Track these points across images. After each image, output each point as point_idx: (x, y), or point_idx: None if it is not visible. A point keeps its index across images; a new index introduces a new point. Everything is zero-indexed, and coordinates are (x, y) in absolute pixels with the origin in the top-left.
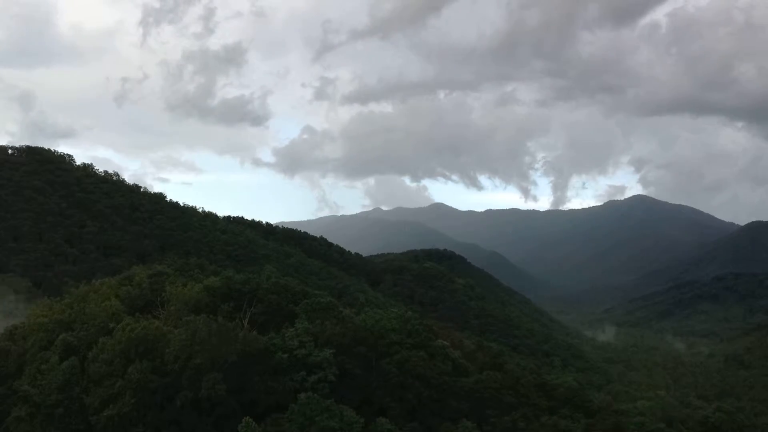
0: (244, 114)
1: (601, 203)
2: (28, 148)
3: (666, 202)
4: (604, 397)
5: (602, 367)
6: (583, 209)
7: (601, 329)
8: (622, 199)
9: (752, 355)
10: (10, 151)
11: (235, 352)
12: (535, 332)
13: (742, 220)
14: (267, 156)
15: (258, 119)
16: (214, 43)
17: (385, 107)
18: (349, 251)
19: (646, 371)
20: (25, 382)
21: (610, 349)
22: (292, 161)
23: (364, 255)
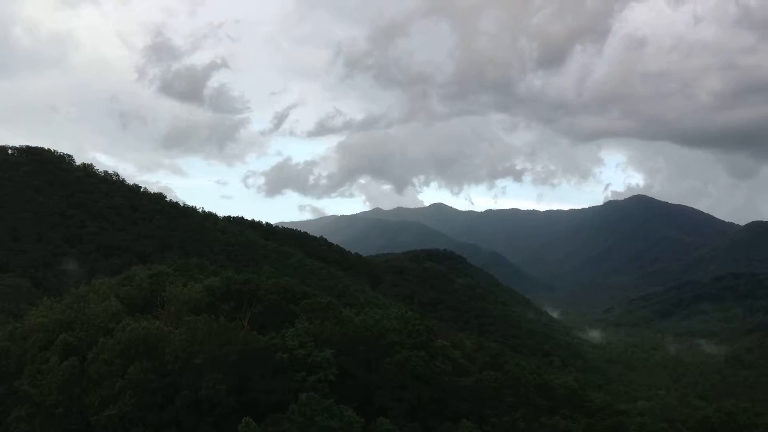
0: (230, 133)
1: (601, 203)
2: (28, 148)
3: (666, 202)
4: (604, 397)
5: (602, 367)
6: (583, 209)
7: (600, 329)
8: (622, 199)
9: (752, 355)
10: (10, 151)
11: (235, 352)
12: (535, 332)
13: (742, 220)
14: (256, 176)
15: (243, 140)
16: (198, 61)
17: (367, 133)
18: (349, 251)
19: (646, 371)
20: (25, 382)
21: (610, 349)
22: (282, 178)
23: (364, 255)
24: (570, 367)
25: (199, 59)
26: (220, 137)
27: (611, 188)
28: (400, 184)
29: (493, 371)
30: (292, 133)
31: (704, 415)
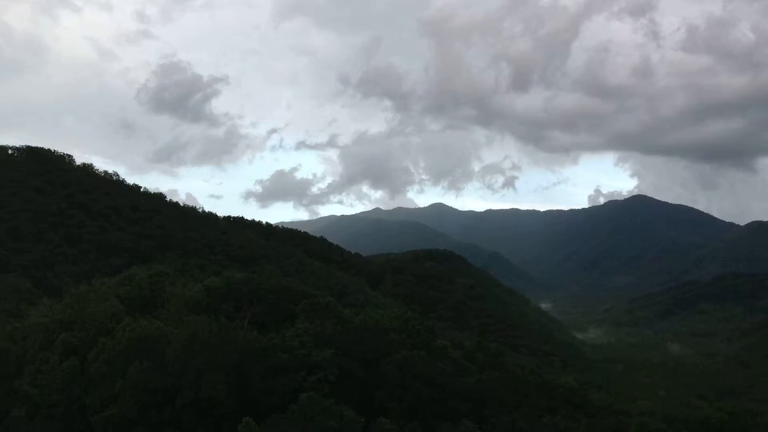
0: (225, 145)
1: (602, 203)
2: (28, 148)
3: (666, 202)
4: (604, 397)
5: (602, 367)
6: (584, 209)
7: (600, 329)
8: (622, 199)
9: (752, 355)
10: (10, 151)
11: (235, 352)
12: (535, 332)
13: (742, 220)
14: (254, 186)
15: (238, 152)
16: (194, 71)
17: (361, 144)
18: (349, 251)
19: (646, 371)
20: (25, 382)
21: (610, 349)
22: (279, 188)
23: (364, 255)
24: (570, 367)
25: (193, 72)
26: (215, 149)
27: (596, 192)
28: (394, 192)
29: (493, 371)
30: (286, 145)
31: (704, 415)
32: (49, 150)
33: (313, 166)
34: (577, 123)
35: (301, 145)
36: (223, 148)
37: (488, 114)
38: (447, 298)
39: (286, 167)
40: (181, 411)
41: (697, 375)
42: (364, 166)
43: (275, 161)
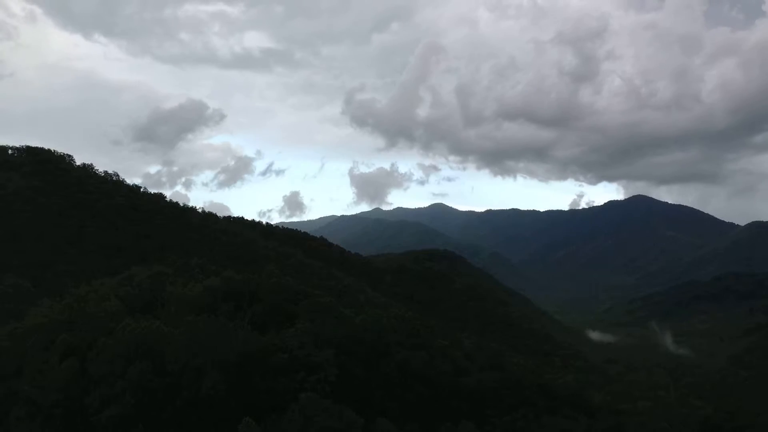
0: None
1: (602, 203)
2: (28, 148)
3: (666, 202)
4: (604, 397)
5: (602, 367)
6: (583, 209)
7: (600, 329)
8: (622, 199)
9: (752, 355)
10: (10, 151)
11: (235, 352)
12: (535, 332)
13: (742, 220)
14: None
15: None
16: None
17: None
18: (349, 251)
19: (646, 371)
20: (25, 382)
21: (610, 349)
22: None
23: (364, 255)
24: (570, 367)
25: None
26: (199, 177)
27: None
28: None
29: (493, 371)
30: (274, 170)
31: (704, 415)
32: (49, 150)
33: (301, 189)
34: (540, 155)
35: (285, 170)
36: (208, 176)
37: (455, 141)
38: (447, 298)
39: (273, 194)
40: (181, 411)
41: (697, 375)
42: (357, 186)
43: (264, 188)
